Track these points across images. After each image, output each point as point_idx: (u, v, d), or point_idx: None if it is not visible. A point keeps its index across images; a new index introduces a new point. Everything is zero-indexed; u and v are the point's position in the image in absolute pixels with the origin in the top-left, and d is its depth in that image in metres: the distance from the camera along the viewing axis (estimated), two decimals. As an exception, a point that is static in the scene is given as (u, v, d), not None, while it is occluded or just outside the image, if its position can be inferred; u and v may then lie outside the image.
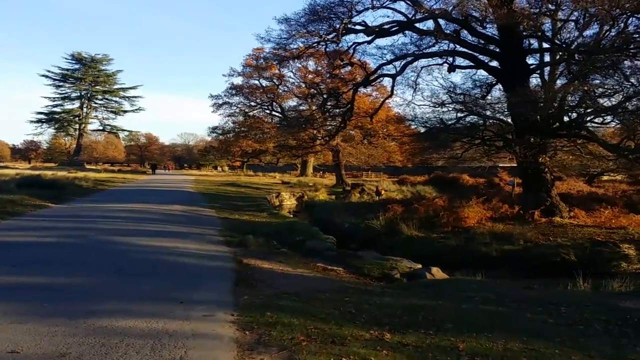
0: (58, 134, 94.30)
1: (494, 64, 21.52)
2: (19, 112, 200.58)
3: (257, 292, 6.90)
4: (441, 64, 21.31)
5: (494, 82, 23.21)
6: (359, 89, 24.57)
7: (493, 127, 24.24)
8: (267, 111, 60.74)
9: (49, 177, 31.51)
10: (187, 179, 48.49)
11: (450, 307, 6.80)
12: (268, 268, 8.95)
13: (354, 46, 22.00)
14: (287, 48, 21.70)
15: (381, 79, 22.39)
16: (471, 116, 24.09)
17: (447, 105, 25.07)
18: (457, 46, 20.84)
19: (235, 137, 62.63)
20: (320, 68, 51.00)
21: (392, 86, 21.63)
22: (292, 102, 57.32)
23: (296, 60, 55.55)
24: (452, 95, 24.72)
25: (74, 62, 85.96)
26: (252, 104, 60.95)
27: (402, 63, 21.14)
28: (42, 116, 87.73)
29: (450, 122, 24.94)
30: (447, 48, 20.98)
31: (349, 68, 28.05)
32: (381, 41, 22.17)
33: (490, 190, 32.50)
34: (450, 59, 20.87)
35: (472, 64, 21.25)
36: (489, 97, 24.34)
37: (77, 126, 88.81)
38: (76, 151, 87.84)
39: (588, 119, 19.00)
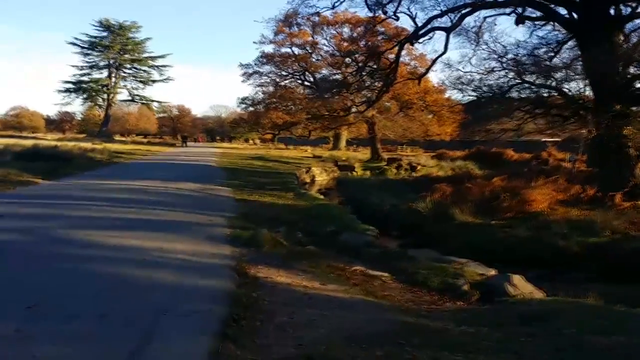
0: (86, 104, 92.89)
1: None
2: (53, 83, 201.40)
3: (257, 350, 3.96)
4: (509, 14, 17.74)
5: (565, 39, 19.62)
6: (403, 48, 21.12)
7: (561, 95, 20.87)
8: (299, 81, 57.81)
9: (66, 148, 29.32)
10: (215, 152, 45.95)
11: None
12: (285, 284, 6.00)
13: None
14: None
15: (432, 33, 19.00)
16: (536, 81, 20.72)
17: (503, 69, 21.68)
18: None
19: (266, 108, 59.96)
20: (355, 35, 47.65)
21: (446, 42, 18.23)
22: (325, 72, 54.14)
23: (330, 27, 52.76)
24: (511, 57, 21.31)
25: (102, 29, 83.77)
26: (284, 73, 58.14)
27: (459, 15, 17.66)
28: (70, 85, 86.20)
29: (505, 89, 21.64)
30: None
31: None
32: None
33: (544, 167, 29.13)
34: (520, 9, 17.30)
35: (542, 14, 17.66)
36: (556, 59, 20.83)
37: (105, 96, 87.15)
38: (104, 122, 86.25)
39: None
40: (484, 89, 21.37)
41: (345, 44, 48.61)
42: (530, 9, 18.34)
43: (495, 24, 16.68)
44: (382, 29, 34.06)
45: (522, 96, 21.80)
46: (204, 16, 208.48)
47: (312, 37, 53.69)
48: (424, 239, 13.88)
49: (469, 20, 18.23)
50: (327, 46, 53.41)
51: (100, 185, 14.84)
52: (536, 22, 20.34)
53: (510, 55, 20.98)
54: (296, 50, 55.00)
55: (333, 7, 19.38)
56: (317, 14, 51.61)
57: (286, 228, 10.01)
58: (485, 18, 18.34)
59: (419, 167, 34.32)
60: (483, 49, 19.05)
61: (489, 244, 12.88)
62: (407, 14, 18.81)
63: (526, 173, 22.72)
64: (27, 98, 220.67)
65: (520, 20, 17.55)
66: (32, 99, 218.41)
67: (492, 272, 8.76)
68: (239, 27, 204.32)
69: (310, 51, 54.35)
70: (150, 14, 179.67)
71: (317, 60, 54.47)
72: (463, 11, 17.58)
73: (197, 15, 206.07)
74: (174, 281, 5.58)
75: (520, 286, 8.02)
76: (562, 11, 18.24)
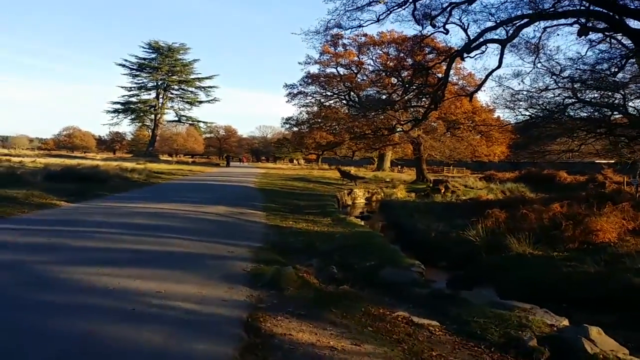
0: (134, 124, 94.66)
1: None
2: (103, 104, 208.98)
3: None
4: (570, 25, 16.18)
5: (630, 54, 17.88)
6: (453, 62, 19.66)
7: (625, 114, 19.17)
8: (344, 101, 57.06)
9: (105, 168, 29.15)
10: (256, 172, 45.36)
11: None
12: (308, 345, 4.74)
13: (450, 7, 17.26)
14: (363, 7, 17.31)
15: (485, 46, 17.56)
16: (597, 99, 19.11)
17: (558, 87, 20.10)
18: (590, 5, 15.65)
19: (309, 128, 59.48)
20: (402, 54, 46.49)
21: (501, 55, 16.72)
22: (370, 91, 53.17)
23: (376, 47, 51.82)
24: (568, 74, 19.76)
25: (150, 51, 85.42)
26: (328, 93, 57.77)
27: (513, 26, 16.20)
28: (119, 106, 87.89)
29: (562, 107, 20.04)
30: (575, 7, 15.82)
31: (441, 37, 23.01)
32: (486, -1, 17.32)
33: (601, 190, 27.00)
34: (582, 19, 15.69)
35: (606, 26, 16.01)
36: (620, 75, 19.11)
37: (152, 117, 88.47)
38: (151, 142, 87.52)
39: None
40: (540, 107, 19.83)
41: (392, 63, 47.63)
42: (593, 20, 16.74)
43: (558, 34, 15.25)
44: (430, 48, 32.84)
45: (582, 115, 20.17)
46: (252, 37, 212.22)
47: (358, 57, 53.10)
48: (477, 272, 12.43)
49: (528, 31, 16.79)
50: (372, 66, 52.68)
51: (123, 208, 13.98)
52: (594, 39, 18.75)
53: (568, 72, 19.43)
54: (341, 71, 54.59)
55: (378, 19, 18.17)
56: (363, 33, 51.14)
57: (319, 261, 8.81)
58: (545, 28, 16.83)
59: (455, 188, 32.51)
60: (538, 67, 17.55)
61: (552, 280, 11.30)
62: (459, 25, 17.40)
63: (585, 198, 20.83)
64: (80, 119, 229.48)
65: (583, 31, 15.96)
66: (85, 120, 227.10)
67: (564, 321, 7.30)
68: (286, 48, 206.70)
69: (355, 71, 53.71)
70: (198, 36, 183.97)
71: (363, 80, 53.69)
72: (519, 22, 16.13)
73: (245, 36, 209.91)
74: (159, 345, 4.33)
75: (600, 342, 6.58)
76: (630, 22, 16.59)
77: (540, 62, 17.06)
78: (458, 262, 13.54)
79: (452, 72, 25.88)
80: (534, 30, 16.51)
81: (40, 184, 17.42)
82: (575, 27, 15.93)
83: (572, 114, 20.05)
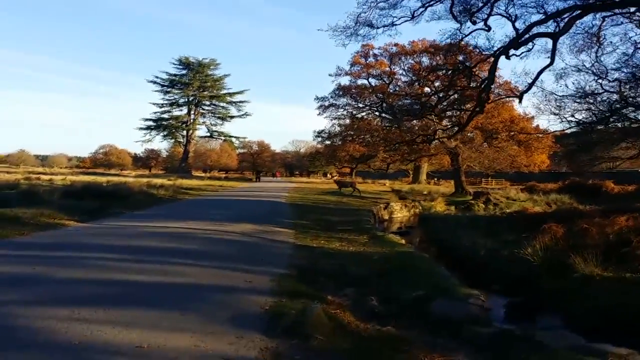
0: (167, 140, 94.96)
1: None
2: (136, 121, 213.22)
3: None
4: (632, 13, 14.35)
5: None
6: (498, 61, 17.81)
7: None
8: (377, 112, 55.59)
9: (133, 184, 28.45)
10: (288, 187, 44.15)
11: None
12: None
13: (491, 2, 15.63)
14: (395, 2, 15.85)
15: (534, 41, 15.80)
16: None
17: (605, 91, 18.20)
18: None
19: (342, 141, 58.22)
20: (435, 64, 44.85)
21: (553, 50, 14.90)
22: (405, 101, 51.60)
23: (408, 56, 50.32)
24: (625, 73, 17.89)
25: (181, 67, 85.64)
26: (360, 105, 56.47)
27: (563, 20, 14.50)
28: (151, 123, 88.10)
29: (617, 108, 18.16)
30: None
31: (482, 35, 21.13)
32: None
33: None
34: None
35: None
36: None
37: (184, 132, 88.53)
38: (183, 158, 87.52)
39: None
40: (597, 108, 17.96)
41: (425, 73, 46.07)
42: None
43: (621, 22, 13.31)
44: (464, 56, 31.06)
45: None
46: (283, 51, 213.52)
47: (390, 67, 51.70)
48: (540, 299, 10.71)
49: (585, 20, 14.96)
50: (405, 76, 51.18)
51: (137, 228, 12.68)
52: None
53: (626, 71, 17.54)
54: (373, 81, 53.36)
55: (412, 16, 16.59)
56: (394, 43, 49.71)
57: (354, 291, 7.31)
58: (604, 17, 14.98)
59: (497, 201, 30.62)
60: (601, 61, 15.68)
61: (630, 308, 9.48)
62: (505, 16, 15.63)
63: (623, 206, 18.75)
64: (118, 136, 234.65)
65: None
66: (121, 138, 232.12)
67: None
68: (318, 61, 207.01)
69: (387, 81, 52.30)
70: (229, 51, 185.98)
71: (395, 90, 52.13)
72: (572, 14, 14.38)
73: (276, 51, 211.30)
74: None
75: None
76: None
77: (603, 53, 15.19)
78: (515, 286, 11.84)
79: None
80: (592, 20, 14.67)
81: (55, 202, 16.37)
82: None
83: (631, 116, 18.11)
